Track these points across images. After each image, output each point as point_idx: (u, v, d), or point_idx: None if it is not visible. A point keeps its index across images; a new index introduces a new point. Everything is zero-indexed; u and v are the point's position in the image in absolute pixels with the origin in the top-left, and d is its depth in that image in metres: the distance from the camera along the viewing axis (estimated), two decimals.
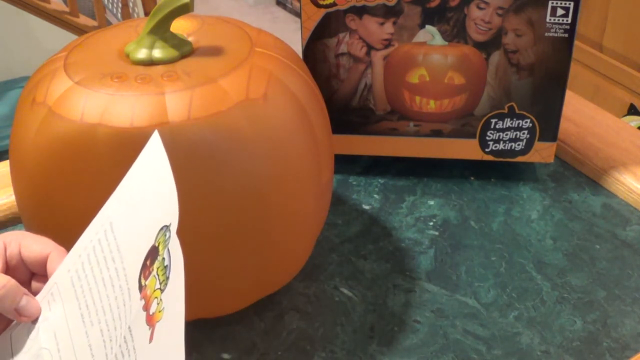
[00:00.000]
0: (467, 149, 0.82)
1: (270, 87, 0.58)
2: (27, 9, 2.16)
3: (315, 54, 0.78)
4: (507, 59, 0.76)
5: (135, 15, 2.68)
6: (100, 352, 0.45)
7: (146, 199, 0.47)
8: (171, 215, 0.44)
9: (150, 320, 0.42)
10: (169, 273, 0.43)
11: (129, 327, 0.44)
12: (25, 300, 0.49)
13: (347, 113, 0.81)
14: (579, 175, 0.85)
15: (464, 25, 0.75)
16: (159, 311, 0.42)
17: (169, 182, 0.45)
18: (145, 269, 0.45)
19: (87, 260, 0.48)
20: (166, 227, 0.44)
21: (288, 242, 0.62)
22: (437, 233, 0.77)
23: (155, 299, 0.43)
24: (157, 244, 0.44)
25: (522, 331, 0.66)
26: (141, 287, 0.44)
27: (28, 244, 0.51)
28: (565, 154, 0.87)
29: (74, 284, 0.48)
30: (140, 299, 0.44)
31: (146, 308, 0.43)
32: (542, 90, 0.78)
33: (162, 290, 0.43)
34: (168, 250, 0.43)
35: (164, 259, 0.43)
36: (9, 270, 0.51)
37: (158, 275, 0.43)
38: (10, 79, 2.47)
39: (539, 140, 0.81)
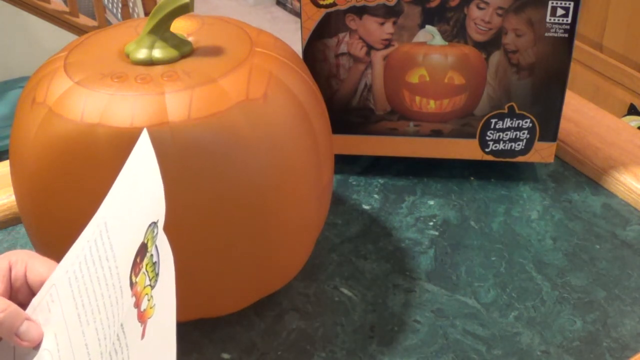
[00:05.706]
0: (467, 149, 0.82)
1: (270, 87, 0.58)
2: (27, 9, 2.16)
3: (315, 54, 0.78)
4: (507, 59, 0.76)
5: (135, 15, 2.68)
6: (96, 351, 0.45)
7: (136, 196, 0.47)
8: (159, 211, 0.44)
9: (142, 317, 0.42)
10: (158, 269, 0.43)
11: (122, 325, 0.44)
12: (26, 325, 0.48)
13: (347, 113, 0.81)
14: (579, 175, 0.85)
15: (464, 25, 0.75)
16: (150, 308, 0.42)
17: (156, 178, 0.45)
18: (136, 266, 0.45)
19: (84, 261, 0.48)
20: (154, 224, 0.44)
21: (288, 242, 0.62)
22: (437, 233, 0.77)
23: (146, 296, 0.43)
24: (145, 241, 0.45)
25: (522, 331, 0.66)
26: (132, 285, 0.45)
27: (34, 266, 0.50)
28: (565, 154, 0.87)
29: (71, 285, 0.49)
30: (132, 296, 0.44)
31: (137, 305, 0.43)
32: (542, 90, 0.78)
33: (152, 287, 0.43)
34: (156, 246, 0.43)
35: (152, 255, 0.44)
36: (12, 291, 0.50)
37: (147, 272, 0.43)
38: (10, 79, 2.47)
39: (539, 140, 0.81)
